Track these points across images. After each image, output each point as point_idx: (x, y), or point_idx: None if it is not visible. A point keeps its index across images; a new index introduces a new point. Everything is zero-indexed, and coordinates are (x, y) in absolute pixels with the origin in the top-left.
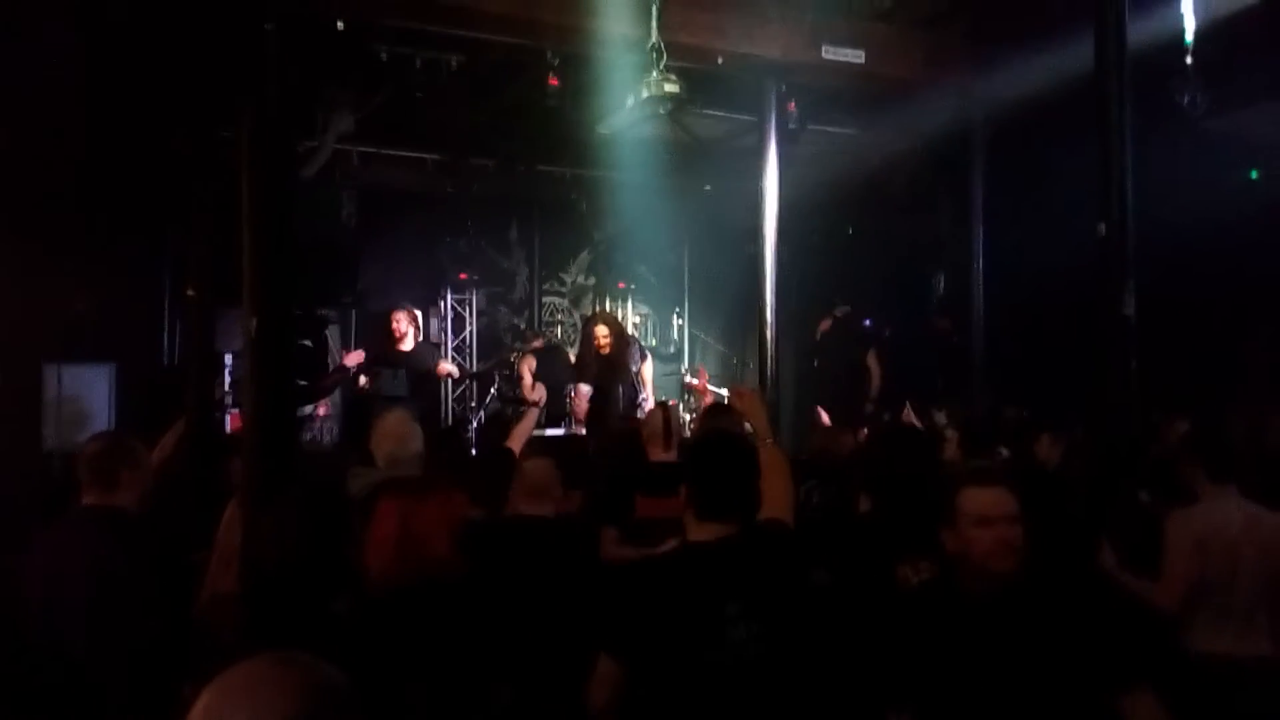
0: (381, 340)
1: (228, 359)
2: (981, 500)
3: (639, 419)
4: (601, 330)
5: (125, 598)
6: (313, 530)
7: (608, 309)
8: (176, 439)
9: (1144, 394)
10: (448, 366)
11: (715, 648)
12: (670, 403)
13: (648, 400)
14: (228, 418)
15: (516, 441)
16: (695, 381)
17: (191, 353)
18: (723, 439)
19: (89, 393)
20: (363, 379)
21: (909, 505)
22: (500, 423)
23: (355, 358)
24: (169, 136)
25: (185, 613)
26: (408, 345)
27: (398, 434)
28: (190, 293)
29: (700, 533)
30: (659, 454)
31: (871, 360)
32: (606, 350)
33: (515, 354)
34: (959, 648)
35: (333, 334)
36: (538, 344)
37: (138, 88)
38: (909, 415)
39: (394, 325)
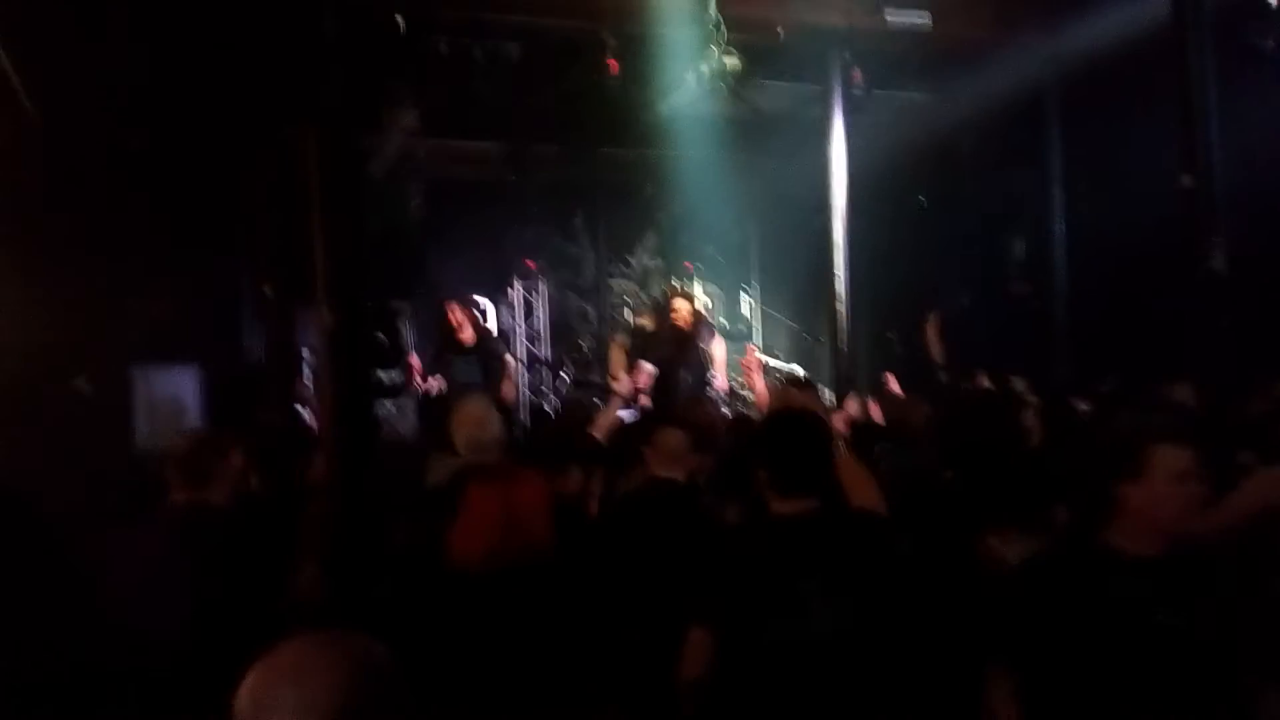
0: (448, 332)
1: (306, 354)
2: (1180, 457)
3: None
4: (684, 306)
5: (220, 593)
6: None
7: (676, 289)
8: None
9: (1239, 352)
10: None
11: (791, 622)
12: (804, 378)
13: (717, 378)
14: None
15: (601, 430)
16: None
17: (271, 350)
18: (797, 416)
19: (178, 393)
20: (424, 381)
21: (991, 474)
22: (578, 406)
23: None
24: (241, 138)
25: (275, 607)
26: (467, 335)
27: (477, 419)
28: (267, 291)
29: (783, 507)
30: None
31: (931, 330)
32: (686, 327)
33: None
34: (1121, 607)
35: (406, 325)
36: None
37: (206, 92)
38: (982, 383)
39: (450, 318)
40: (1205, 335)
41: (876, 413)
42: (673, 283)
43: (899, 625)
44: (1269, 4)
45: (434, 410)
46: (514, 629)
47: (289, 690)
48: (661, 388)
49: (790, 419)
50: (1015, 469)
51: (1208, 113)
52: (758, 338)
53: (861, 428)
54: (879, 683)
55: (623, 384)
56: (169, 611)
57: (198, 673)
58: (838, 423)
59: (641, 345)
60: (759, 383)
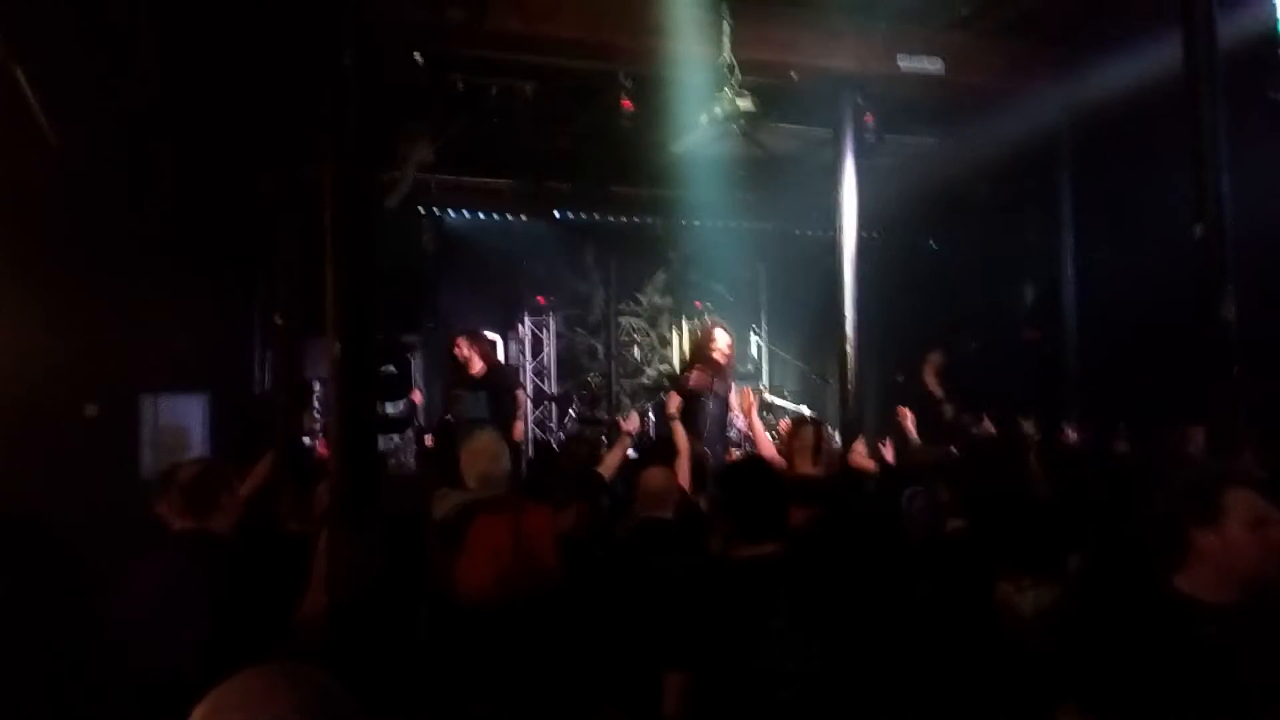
0: (457, 367)
1: (316, 386)
2: (1257, 502)
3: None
4: (724, 339)
5: (223, 622)
6: (392, 556)
7: (684, 329)
8: (269, 467)
9: (1247, 402)
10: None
11: (763, 660)
12: (820, 420)
13: (738, 419)
14: (318, 444)
15: (608, 469)
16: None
17: (281, 381)
18: (756, 463)
19: (185, 422)
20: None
21: (1003, 522)
22: (584, 443)
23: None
24: (255, 173)
25: (277, 637)
26: (476, 368)
27: (490, 453)
28: (278, 321)
29: (747, 551)
30: (806, 468)
31: (929, 369)
32: (724, 360)
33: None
34: (1205, 657)
35: (416, 360)
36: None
37: (224, 126)
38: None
39: (456, 352)
40: (1215, 383)
41: (889, 453)
42: (672, 326)
43: (887, 658)
44: (1278, 54)
45: (440, 444)
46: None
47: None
48: (689, 418)
49: (749, 466)
50: (1026, 516)
51: (1219, 163)
52: (766, 378)
53: (890, 471)
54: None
55: (631, 422)
56: (172, 640)
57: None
58: (864, 461)
59: (676, 375)
60: (756, 423)
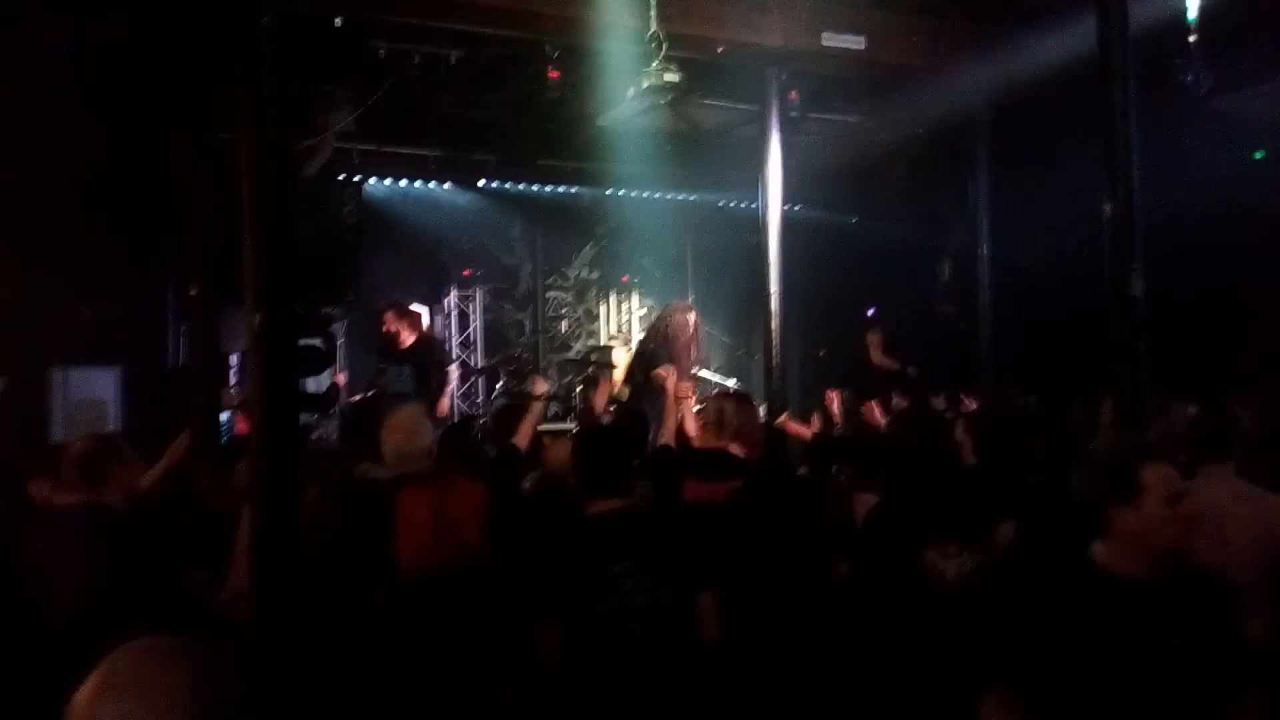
0: (384, 340)
1: (233, 359)
2: (1171, 477)
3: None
4: (693, 318)
5: (110, 594)
6: (352, 521)
7: (611, 303)
8: (187, 442)
9: (1154, 377)
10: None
11: (610, 601)
12: (742, 394)
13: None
14: (235, 418)
15: (523, 438)
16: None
17: (197, 353)
18: (602, 430)
19: (96, 395)
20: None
21: (927, 490)
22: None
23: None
24: (169, 136)
25: (176, 611)
26: (406, 342)
27: (407, 429)
28: (193, 292)
29: (595, 507)
30: (712, 441)
31: (874, 346)
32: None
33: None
34: (1112, 629)
35: (338, 332)
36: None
37: (136, 88)
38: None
39: (385, 326)
40: (1122, 357)
41: (807, 431)
42: (599, 301)
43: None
44: (1189, 40)
45: (364, 418)
46: (446, 635)
47: (135, 704)
48: (650, 405)
49: (596, 433)
50: (950, 485)
51: (1129, 144)
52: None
53: (821, 444)
54: (687, 650)
55: (540, 386)
56: (57, 611)
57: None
58: (804, 432)
59: (651, 354)
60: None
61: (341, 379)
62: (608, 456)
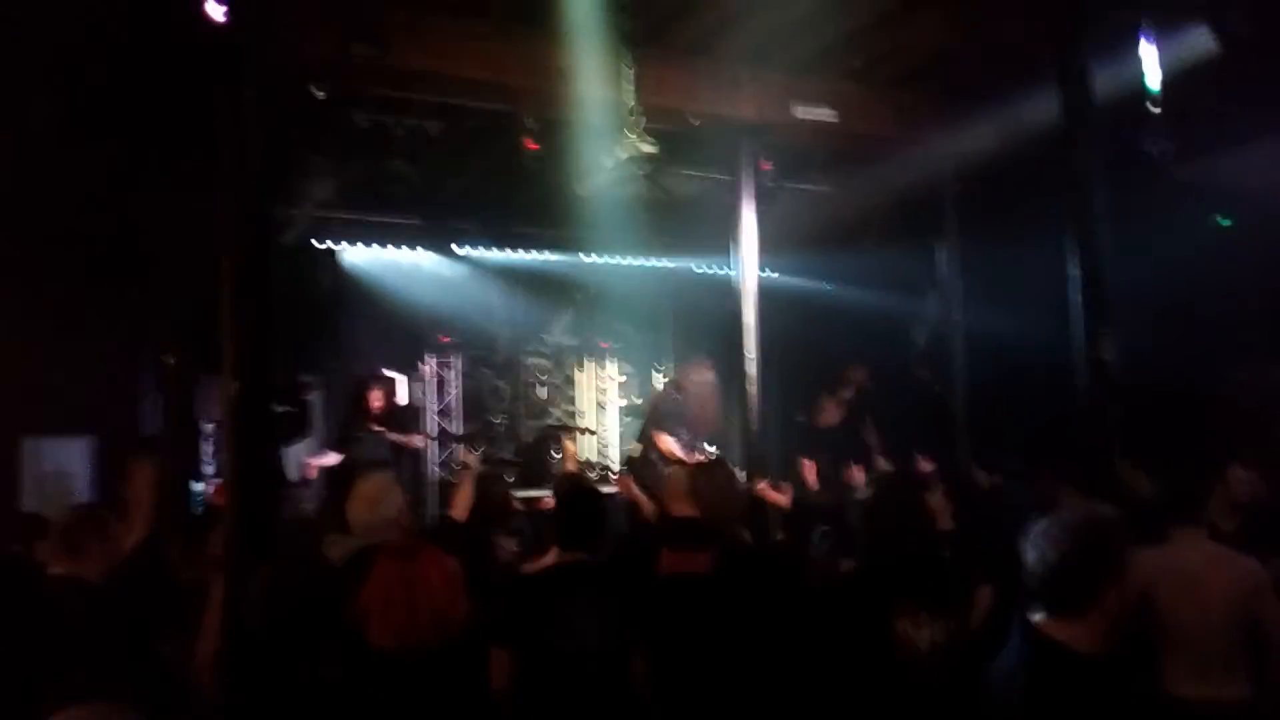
0: (359, 408)
1: (208, 428)
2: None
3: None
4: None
5: (85, 663)
6: (302, 597)
7: (588, 368)
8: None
9: (1124, 439)
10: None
11: (566, 638)
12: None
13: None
14: (210, 487)
15: (460, 509)
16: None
17: (170, 422)
18: (581, 492)
19: (68, 465)
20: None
21: (899, 558)
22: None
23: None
24: (147, 203)
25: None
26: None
27: (373, 498)
28: (169, 360)
29: (562, 557)
30: (682, 509)
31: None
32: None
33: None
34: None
35: (315, 398)
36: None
37: (115, 155)
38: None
39: (369, 401)
40: (1094, 422)
41: (785, 498)
42: (577, 367)
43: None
44: (1152, 111)
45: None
46: (421, 710)
47: None
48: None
49: (575, 494)
50: (923, 553)
51: (1095, 212)
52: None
53: (799, 510)
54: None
55: (470, 457)
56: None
57: None
58: (781, 500)
59: (664, 414)
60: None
61: (319, 462)
62: (579, 514)
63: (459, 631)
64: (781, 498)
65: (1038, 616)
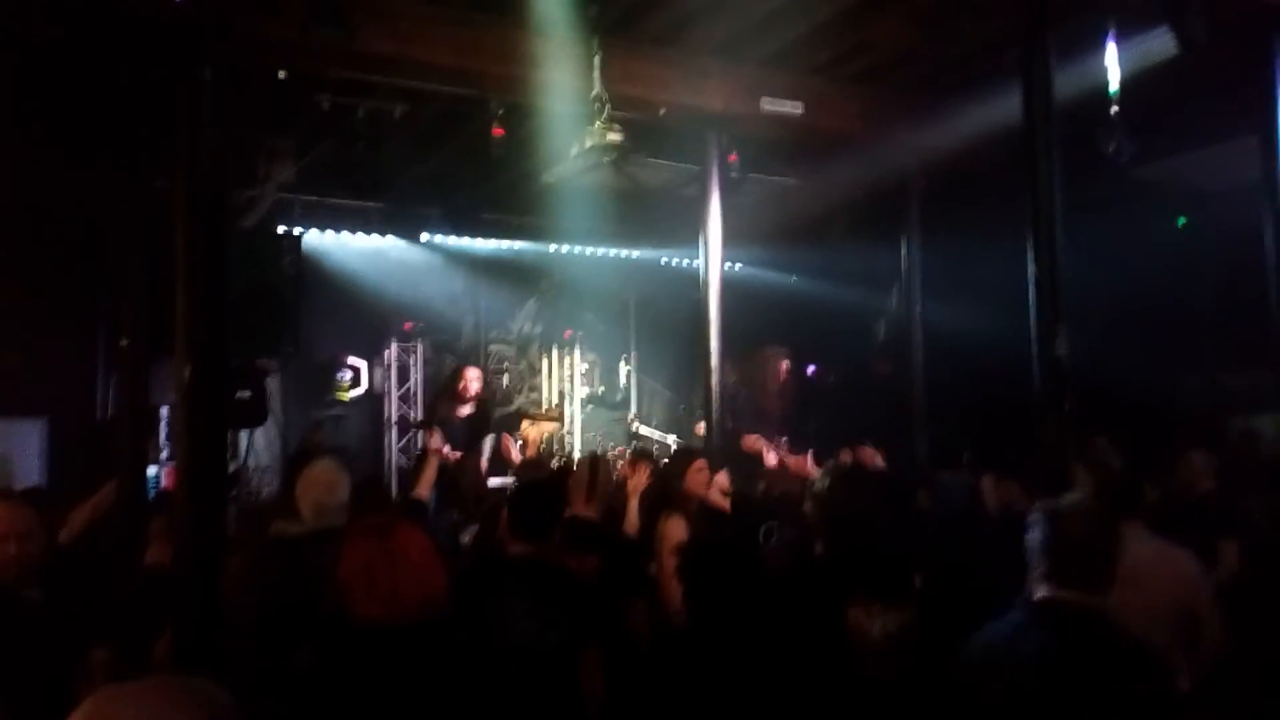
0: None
1: (164, 412)
2: None
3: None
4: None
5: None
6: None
7: (554, 357)
8: (110, 496)
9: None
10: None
11: (505, 632)
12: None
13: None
14: (164, 472)
15: (423, 489)
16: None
17: (124, 405)
18: (538, 484)
19: (20, 448)
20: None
21: (853, 548)
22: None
23: None
24: (103, 184)
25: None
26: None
27: (324, 482)
28: (123, 343)
29: (514, 548)
30: (580, 508)
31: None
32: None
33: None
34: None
35: (273, 384)
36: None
37: (70, 135)
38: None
39: (463, 386)
40: (1047, 417)
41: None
42: (542, 355)
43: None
44: (1112, 111)
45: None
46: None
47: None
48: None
49: (531, 486)
50: (877, 543)
51: (1054, 211)
52: (634, 406)
53: (741, 503)
54: (568, 680)
55: (435, 440)
56: None
57: None
58: (714, 494)
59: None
60: None
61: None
62: (532, 507)
63: (442, 603)
64: (721, 501)
65: (1049, 592)
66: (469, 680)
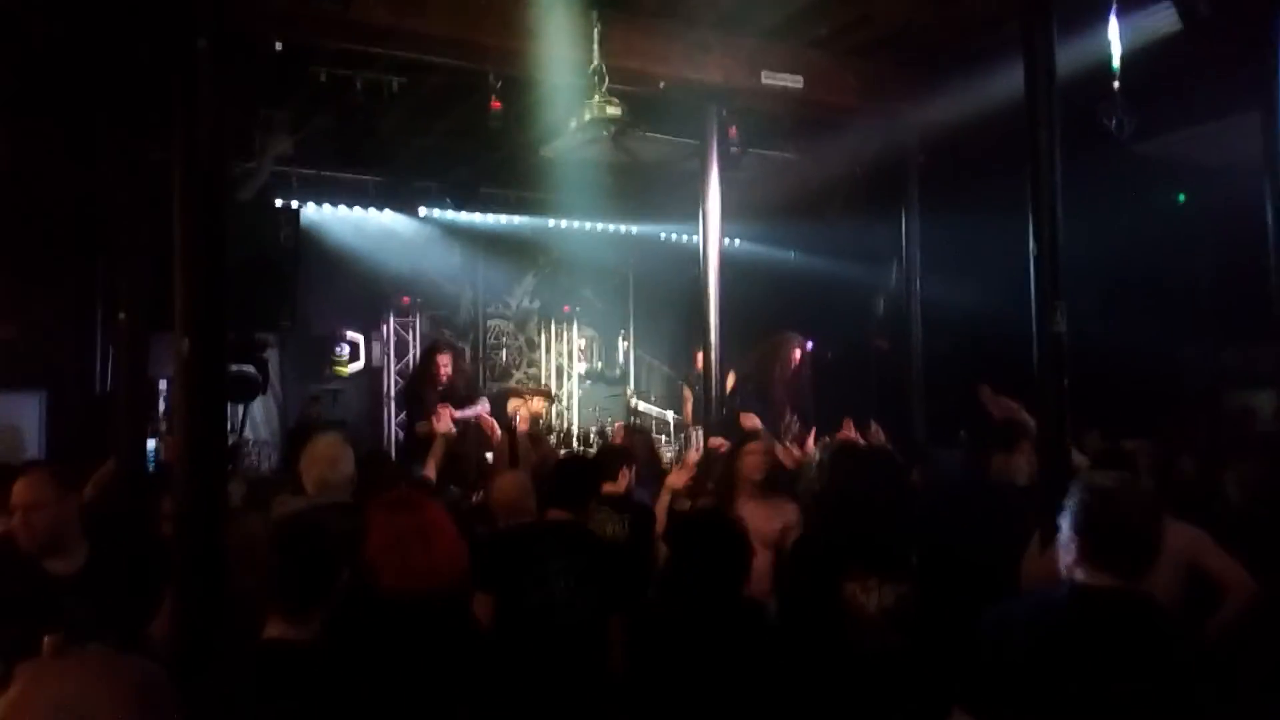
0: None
1: (162, 385)
2: None
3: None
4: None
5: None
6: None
7: (552, 332)
8: (108, 477)
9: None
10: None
11: (541, 589)
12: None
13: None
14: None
15: (430, 469)
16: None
17: (123, 379)
18: (575, 458)
19: (19, 421)
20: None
21: (848, 523)
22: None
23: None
24: (99, 157)
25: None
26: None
27: (328, 457)
28: (122, 316)
29: (552, 514)
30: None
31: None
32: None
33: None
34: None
35: (273, 358)
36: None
37: (66, 106)
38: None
39: (440, 370)
40: (1046, 393)
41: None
42: (541, 330)
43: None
44: (1113, 86)
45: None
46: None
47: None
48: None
49: (572, 460)
50: (873, 517)
51: (1054, 186)
52: (633, 382)
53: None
54: (598, 635)
55: (443, 422)
56: None
57: None
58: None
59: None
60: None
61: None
62: (570, 477)
63: (466, 576)
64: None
65: (1088, 576)
66: (504, 646)
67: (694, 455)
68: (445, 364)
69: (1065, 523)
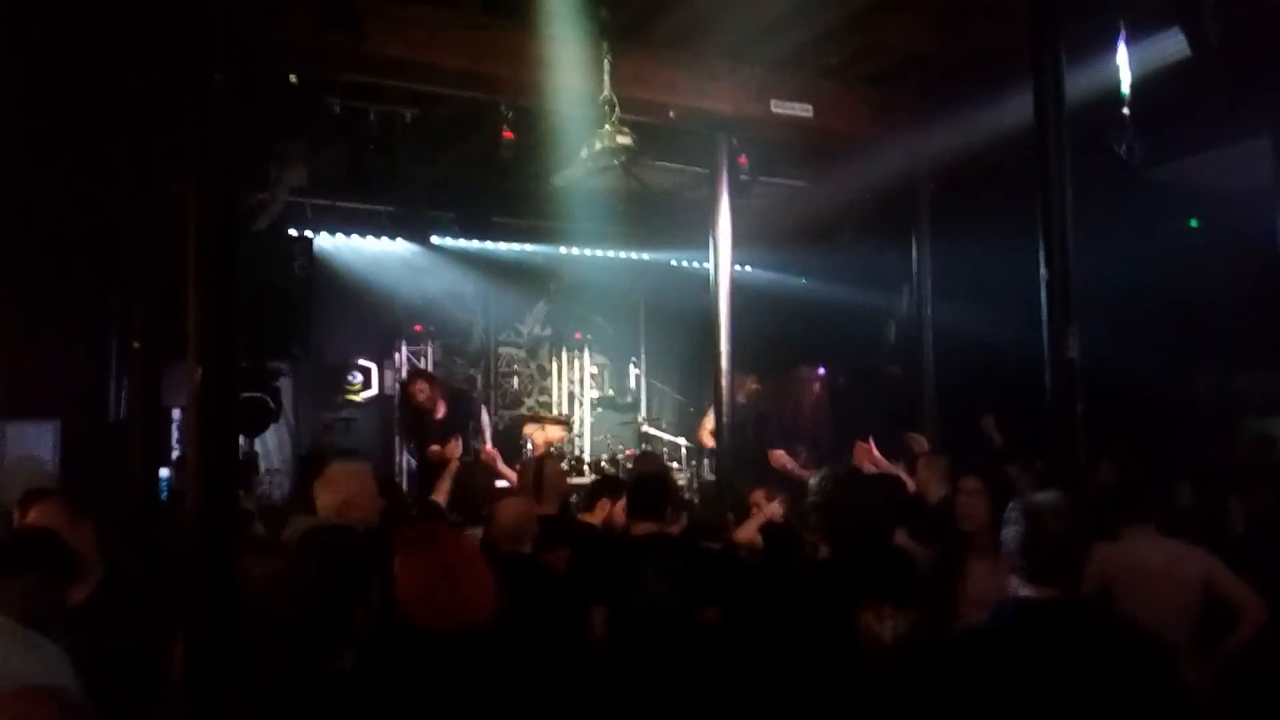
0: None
1: (176, 414)
2: None
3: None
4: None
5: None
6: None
7: (563, 360)
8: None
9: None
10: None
11: (641, 596)
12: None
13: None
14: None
15: (441, 494)
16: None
17: (137, 408)
18: (653, 472)
19: (33, 450)
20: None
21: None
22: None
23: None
24: (114, 187)
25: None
26: (441, 412)
27: (343, 483)
28: (136, 345)
29: (636, 529)
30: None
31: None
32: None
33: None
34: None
35: (286, 386)
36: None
37: (82, 137)
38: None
39: (415, 399)
40: (1058, 420)
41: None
42: (552, 357)
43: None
44: (1123, 112)
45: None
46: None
47: None
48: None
49: (648, 474)
50: (888, 547)
51: (1065, 213)
52: (644, 409)
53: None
54: (699, 637)
55: (453, 449)
56: None
57: None
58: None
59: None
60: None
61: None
62: (649, 492)
63: (497, 610)
64: (775, 508)
65: (1031, 590)
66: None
67: (776, 507)
68: (422, 390)
69: (1006, 542)
